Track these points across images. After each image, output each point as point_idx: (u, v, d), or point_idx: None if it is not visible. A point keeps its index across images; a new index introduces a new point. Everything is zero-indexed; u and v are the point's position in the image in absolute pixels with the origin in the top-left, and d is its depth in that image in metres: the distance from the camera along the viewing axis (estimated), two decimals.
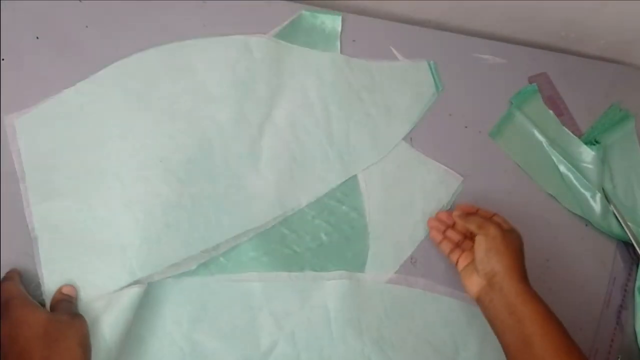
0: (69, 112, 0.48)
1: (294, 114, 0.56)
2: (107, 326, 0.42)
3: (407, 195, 0.60)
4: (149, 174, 0.48)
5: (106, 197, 0.47)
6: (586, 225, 0.68)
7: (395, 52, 0.65)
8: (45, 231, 0.44)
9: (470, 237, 0.56)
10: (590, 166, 0.69)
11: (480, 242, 0.51)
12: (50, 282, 0.43)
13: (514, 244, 0.51)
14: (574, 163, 0.68)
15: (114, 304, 0.43)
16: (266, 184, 0.52)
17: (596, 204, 0.67)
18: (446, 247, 0.56)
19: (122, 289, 0.44)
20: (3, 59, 0.48)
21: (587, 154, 0.69)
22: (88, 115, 0.49)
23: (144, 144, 0.49)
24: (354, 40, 0.63)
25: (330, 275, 0.53)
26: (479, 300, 0.51)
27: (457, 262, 0.55)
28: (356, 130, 0.59)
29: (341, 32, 0.62)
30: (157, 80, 0.52)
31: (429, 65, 0.66)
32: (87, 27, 0.51)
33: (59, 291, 0.43)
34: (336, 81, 0.59)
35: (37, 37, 0.49)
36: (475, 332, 0.57)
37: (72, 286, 0.43)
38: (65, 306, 0.42)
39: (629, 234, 0.67)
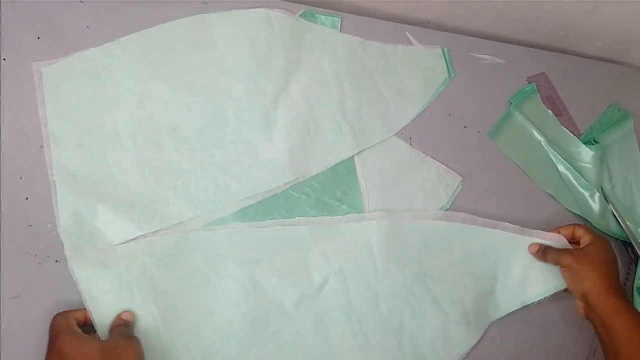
0: (94, 70, 0.50)
1: (310, 88, 0.58)
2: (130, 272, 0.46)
3: (407, 195, 0.60)
4: (162, 141, 0.51)
5: (120, 158, 0.49)
6: (585, 224, 0.68)
7: (410, 37, 0.66)
8: (62, 177, 0.47)
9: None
10: (589, 166, 0.69)
11: (563, 274, 0.55)
12: (66, 224, 0.46)
13: (593, 260, 0.53)
14: (573, 163, 0.69)
15: (136, 252, 0.47)
16: (278, 152, 0.55)
17: (595, 204, 0.68)
18: None
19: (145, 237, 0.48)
20: (4, 59, 0.48)
21: (586, 154, 0.69)
22: (111, 77, 0.51)
23: (160, 112, 0.52)
24: None
25: (372, 216, 0.56)
26: (588, 319, 0.53)
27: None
28: (368, 108, 0.61)
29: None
30: (178, 51, 0.54)
31: (443, 52, 0.67)
32: (88, 27, 0.52)
33: (119, 317, 0.44)
34: (351, 61, 0.61)
35: (39, 38, 0.50)
36: (517, 262, 0.59)
37: (131, 312, 0.45)
38: (123, 331, 0.43)
39: (627, 234, 0.67)
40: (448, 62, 0.67)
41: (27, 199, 0.46)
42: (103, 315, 0.44)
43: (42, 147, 0.47)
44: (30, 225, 0.45)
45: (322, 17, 0.62)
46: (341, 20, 0.62)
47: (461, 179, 0.63)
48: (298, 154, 0.56)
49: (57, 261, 0.45)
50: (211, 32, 0.56)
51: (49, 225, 0.46)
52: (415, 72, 0.65)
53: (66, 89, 0.49)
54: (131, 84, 0.51)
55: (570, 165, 0.68)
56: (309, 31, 0.60)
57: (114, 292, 0.45)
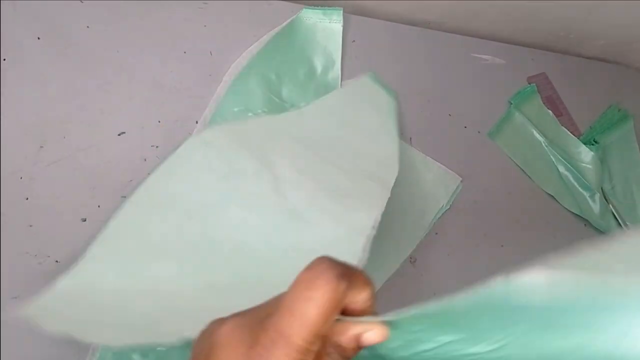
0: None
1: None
2: None
3: (407, 195, 0.60)
4: None
5: None
6: (585, 225, 0.68)
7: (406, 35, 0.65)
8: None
9: None
10: (589, 166, 0.69)
11: None
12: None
13: None
14: (573, 163, 0.69)
15: None
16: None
17: (595, 204, 0.68)
18: None
19: None
20: (4, 59, 0.48)
21: (586, 154, 0.69)
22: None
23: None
24: (353, 41, 0.63)
25: None
26: None
27: None
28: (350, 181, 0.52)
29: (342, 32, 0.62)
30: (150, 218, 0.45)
31: (369, 76, 0.61)
32: (88, 27, 0.52)
33: None
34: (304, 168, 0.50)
35: (38, 38, 0.50)
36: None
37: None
38: None
39: None
40: (379, 82, 0.61)
41: (27, 199, 0.46)
42: None
43: (42, 147, 0.47)
44: (30, 225, 0.45)
45: (323, 11, 0.61)
46: (342, 11, 0.62)
47: (461, 179, 0.63)
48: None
49: (57, 261, 0.45)
50: (174, 187, 0.45)
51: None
52: (363, 111, 0.58)
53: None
54: None
55: (570, 166, 0.68)
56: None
57: None
